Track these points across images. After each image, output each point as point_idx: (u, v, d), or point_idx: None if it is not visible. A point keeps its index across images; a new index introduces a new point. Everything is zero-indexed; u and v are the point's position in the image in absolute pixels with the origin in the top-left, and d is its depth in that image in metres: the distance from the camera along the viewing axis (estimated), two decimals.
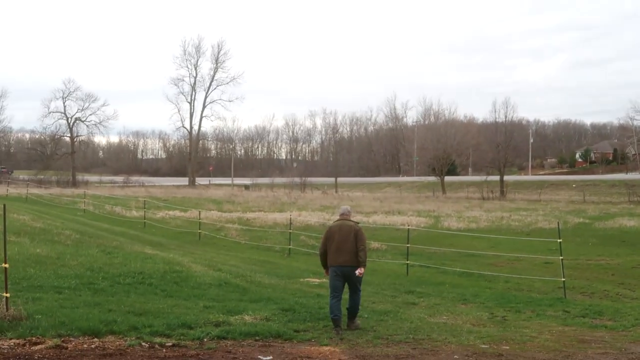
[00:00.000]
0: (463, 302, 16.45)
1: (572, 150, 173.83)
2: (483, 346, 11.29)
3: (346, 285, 12.95)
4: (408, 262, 23.02)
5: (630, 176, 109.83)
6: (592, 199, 77.09)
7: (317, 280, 19.58)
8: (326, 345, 11.05)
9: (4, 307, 11.28)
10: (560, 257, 19.15)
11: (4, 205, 12.49)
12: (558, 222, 22.92)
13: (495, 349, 11.08)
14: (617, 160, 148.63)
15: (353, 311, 12.86)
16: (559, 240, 19.49)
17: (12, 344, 10.12)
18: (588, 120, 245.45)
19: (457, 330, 12.66)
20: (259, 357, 10.13)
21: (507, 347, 11.26)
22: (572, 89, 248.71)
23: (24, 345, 10.09)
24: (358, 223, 13.35)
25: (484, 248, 29.76)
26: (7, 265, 11.70)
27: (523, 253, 27.04)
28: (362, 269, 12.73)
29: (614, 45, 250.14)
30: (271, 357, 10.12)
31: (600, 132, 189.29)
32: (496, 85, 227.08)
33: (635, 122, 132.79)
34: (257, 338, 11.29)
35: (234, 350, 10.45)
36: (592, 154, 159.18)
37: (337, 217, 13.60)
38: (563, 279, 18.59)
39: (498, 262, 26.17)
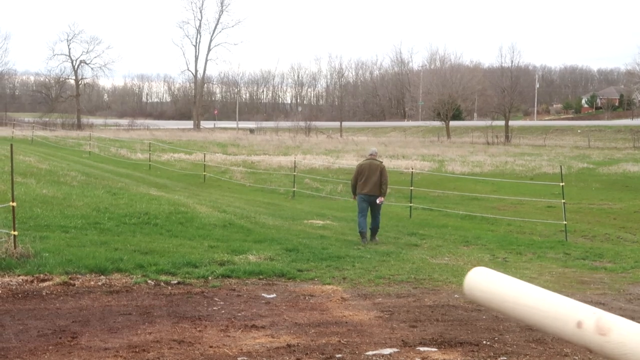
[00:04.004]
0: (465, 244, 16.60)
1: (578, 96, 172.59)
2: None
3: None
4: (411, 204, 23.14)
5: (636, 122, 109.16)
6: (597, 144, 76.95)
7: (321, 221, 19.74)
8: (329, 284, 11.23)
9: (12, 245, 11.46)
10: (563, 201, 19.24)
11: (11, 146, 12.62)
12: (561, 167, 22.99)
13: None
14: (623, 106, 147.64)
15: (375, 230, 16.66)
16: (561, 184, 19.58)
17: (20, 280, 10.32)
18: (595, 66, 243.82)
19: (458, 270, 12.82)
20: (263, 294, 10.32)
21: None
22: (579, 34, 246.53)
23: (32, 281, 10.29)
24: (382, 162, 17.19)
25: (487, 192, 29.88)
26: (14, 204, 11.85)
27: (526, 197, 27.15)
28: (382, 198, 16.66)
29: None
30: (275, 295, 10.31)
31: (607, 77, 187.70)
32: (502, 30, 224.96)
33: None
34: (261, 277, 11.48)
35: (238, 288, 10.64)
36: (598, 100, 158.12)
37: (367, 156, 17.31)
38: (565, 222, 18.70)
39: (501, 205, 26.29)
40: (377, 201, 16.48)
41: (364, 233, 16.38)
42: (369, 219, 16.69)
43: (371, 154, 17.19)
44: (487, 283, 5.33)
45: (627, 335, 3.61)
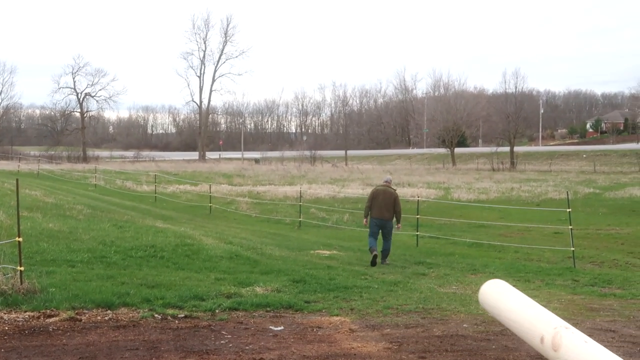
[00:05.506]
0: (473, 273, 16.54)
1: (582, 120, 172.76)
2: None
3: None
4: (418, 233, 23.09)
5: None
6: (602, 169, 76.91)
7: (328, 252, 19.69)
8: (337, 315, 11.15)
9: (19, 280, 11.41)
10: (570, 227, 19.17)
11: (17, 180, 12.62)
12: (567, 192, 22.92)
13: None
14: (628, 130, 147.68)
15: (385, 252, 17.73)
16: (568, 210, 19.52)
17: (27, 316, 10.27)
18: (599, 90, 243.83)
19: (466, 299, 12.76)
20: (271, 327, 10.25)
21: None
22: (582, 58, 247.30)
23: (38, 317, 10.24)
24: (396, 190, 18.71)
25: (493, 219, 29.82)
26: (20, 239, 11.81)
27: (533, 223, 27.08)
28: (400, 225, 18.21)
29: (623, 12, 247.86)
30: (282, 327, 10.24)
31: (611, 101, 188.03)
32: (506, 56, 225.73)
33: None
34: (268, 309, 11.41)
35: (245, 321, 10.57)
36: (603, 124, 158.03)
37: (382, 183, 18.86)
38: (572, 249, 18.63)
39: (508, 232, 26.22)
40: (397, 227, 18.16)
41: (374, 248, 17.42)
42: (379, 242, 17.83)
43: (386, 181, 18.78)
44: (496, 297, 5.43)
45: (572, 352, 3.88)
